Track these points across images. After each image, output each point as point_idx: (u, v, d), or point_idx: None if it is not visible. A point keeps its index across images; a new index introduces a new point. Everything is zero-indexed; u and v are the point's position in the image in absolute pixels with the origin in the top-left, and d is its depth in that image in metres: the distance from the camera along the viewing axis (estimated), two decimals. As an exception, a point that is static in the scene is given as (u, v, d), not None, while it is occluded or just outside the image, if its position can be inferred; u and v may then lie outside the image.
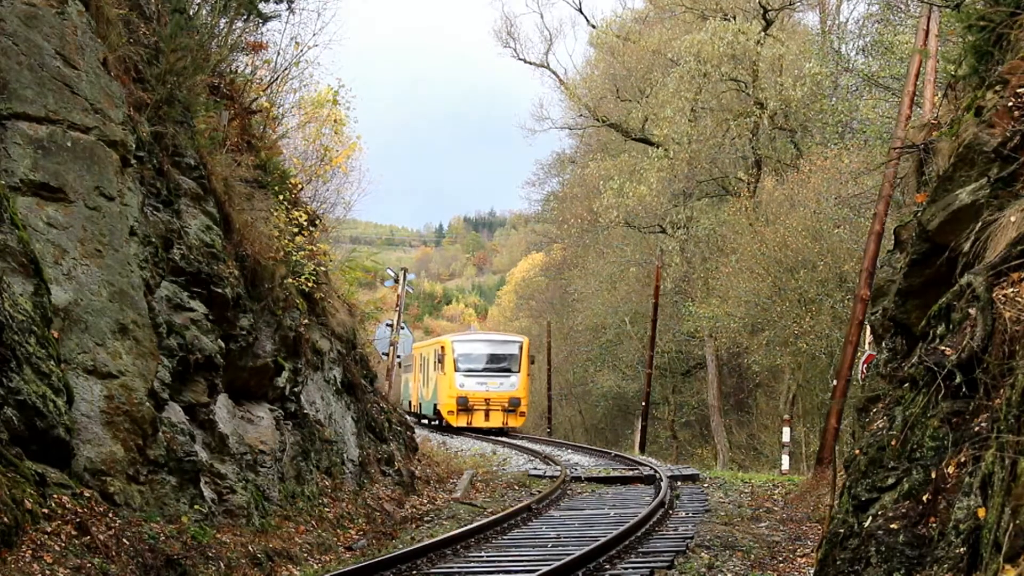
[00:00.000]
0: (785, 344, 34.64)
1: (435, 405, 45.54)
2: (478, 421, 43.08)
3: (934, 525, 6.89)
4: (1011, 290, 7.02)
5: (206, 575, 12.06)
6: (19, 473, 10.18)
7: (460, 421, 43.22)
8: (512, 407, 43.39)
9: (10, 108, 12.06)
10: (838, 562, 7.82)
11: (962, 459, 6.83)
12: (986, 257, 7.54)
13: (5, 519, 9.36)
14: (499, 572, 13.25)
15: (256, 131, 20.22)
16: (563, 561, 12.88)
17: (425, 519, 19.24)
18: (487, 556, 14.50)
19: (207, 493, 14.01)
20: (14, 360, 10.56)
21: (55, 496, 10.68)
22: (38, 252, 11.69)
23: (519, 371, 44.19)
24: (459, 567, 13.65)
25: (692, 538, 15.72)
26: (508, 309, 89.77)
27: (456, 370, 43.70)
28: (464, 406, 43.04)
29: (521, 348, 44.85)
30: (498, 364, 44.22)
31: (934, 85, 20.97)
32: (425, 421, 48.99)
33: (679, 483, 23.94)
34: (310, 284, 19.41)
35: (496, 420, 43.17)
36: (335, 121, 24.64)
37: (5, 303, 10.59)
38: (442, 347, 45.33)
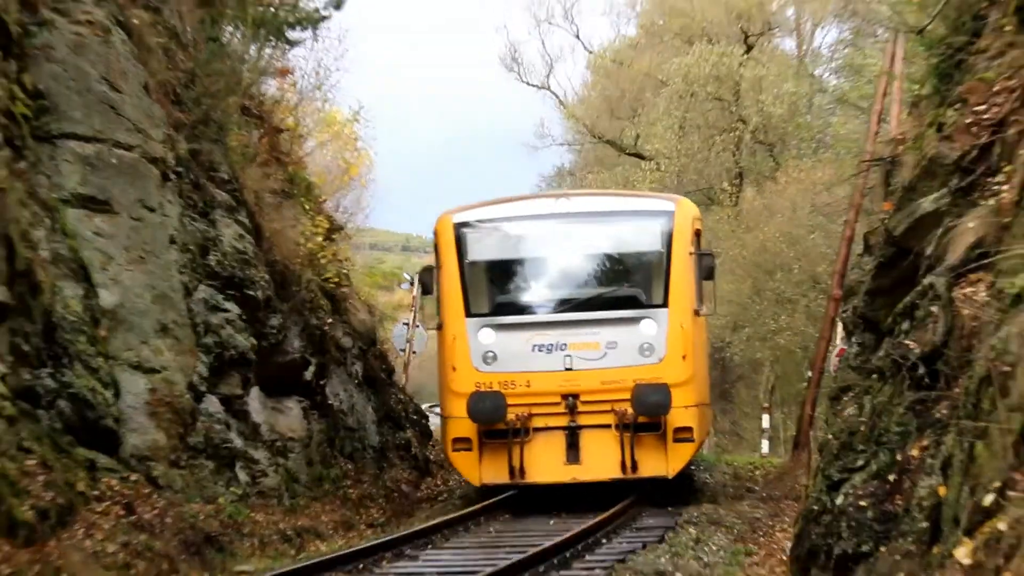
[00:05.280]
0: (764, 339, 34.61)
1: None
2: (545, 470, 14.69)
3: (899, 502, 6.92)
4: (969, 290, 7.04)
5: (241, 550, 12.11)
6: (72, 459, 10.24)
7: (489, 473, 14.76)
8: (653, 411, 14.49)
9: (60, 128, 12.13)
10: (813, 536, 7.85)
11: (925, 443, 6.86)
12: (947, 260, 7.56)
13: (60, 501, 9.42)
14: (505, 545, 13.26)
15: (284, 148, 20.26)
16: (564, 536, 12.89)
17: (439, 499, 19.26)
18: (495, 530, 14.51)
19: (242, 476, 14.06)
20: (66, 357, 10.63)
21: (104, 480, 10.74)
22: (87, 259, 11.75)
23: (666, 302, 14.79)
24: (470, 540, 13.67)
25: (681, 515, 15.71)
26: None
27: (469, 312, 14.84)
28: (489, 418, 14.41)
29: (670, 229, 14.93)
30: (601, 284, 15.43)
31: (900, 104, 20.94)
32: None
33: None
34: (333, 286, 19.44)
35: (603, 463, 14.68)
36: (354, 139, 24.72)
37: (58, 305, 10.65)
38: (436, 240, 15.38)
